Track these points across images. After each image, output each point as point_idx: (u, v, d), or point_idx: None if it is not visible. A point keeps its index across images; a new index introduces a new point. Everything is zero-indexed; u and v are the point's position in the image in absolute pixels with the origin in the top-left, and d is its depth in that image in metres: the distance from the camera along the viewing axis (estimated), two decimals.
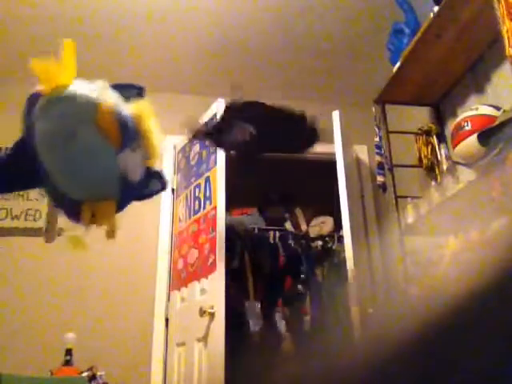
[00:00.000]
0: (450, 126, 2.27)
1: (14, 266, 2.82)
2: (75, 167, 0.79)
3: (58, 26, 2.64)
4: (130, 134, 0.83)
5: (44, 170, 0.79)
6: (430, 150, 2.48)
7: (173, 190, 3.14)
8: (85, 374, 1.99)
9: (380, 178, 2.56)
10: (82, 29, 2.74)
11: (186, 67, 3.16)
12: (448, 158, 2.36)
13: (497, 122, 1.86)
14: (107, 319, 2.78)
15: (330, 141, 2.84)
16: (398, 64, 2.35)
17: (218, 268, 2.40)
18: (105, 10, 2.71)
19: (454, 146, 2.11)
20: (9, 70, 3.00)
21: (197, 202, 2.82)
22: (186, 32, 2.91)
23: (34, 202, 2.95)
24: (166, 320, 2.85)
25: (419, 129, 2.53)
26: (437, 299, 0.43)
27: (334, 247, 3.78)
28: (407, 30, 2.40)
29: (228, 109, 1.06)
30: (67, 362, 2.04)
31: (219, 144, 1.26)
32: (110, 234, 0.81)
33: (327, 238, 3.84)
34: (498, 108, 1.96)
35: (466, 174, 2.19)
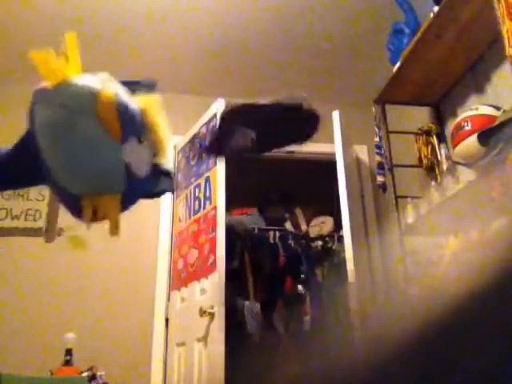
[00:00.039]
0: (450, 126, 2.27)
1: (14, 265, 2.82)
2: (74, 159, 0.77)
3: (58, 26, 2.64)
4: (133, 126, 0.81)
5: (46, 165, 0.78)
6: (430, 149, 2.48)
7: (173, 189, 3.14)
8: (85, 374, 1.99)
9: (380, 178, 2.56)
10: (82, 29, 2.74)
11: (186, 67, 3.16)
12: (448, 158, 2.36)
13: (497, 122, 1.86)
14: (107, 319, 2.78)
15: (330, 141, 2.84)
16: (398, 64, 2.35)
17: (218, 268, 2.40)
18: (105, 10, 2.71)
19: (454, 146, 2.11)
20: (9, 70, 3.00)
21: (197, 202, 2.82)
22: (186, 32, 2.91)
23: (34, 202, 2.95)
24: (166, 320, 2.85)
25: (419, 129, 2.53)
26: (437, 299, 0.43)
27: (334, 247, 3.79)
28: (407, 30, 2.40)
29: (226, 114, 1.02)
30: (67, 362, 2.04)
31: (220, 152, 1.21)
32: (114, 230, 0.78)
33: (327, 238, 3.85)
34: (498, 108, 1.96)
35: (466, 174, 2.19)
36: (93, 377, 1.99)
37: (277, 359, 3.20)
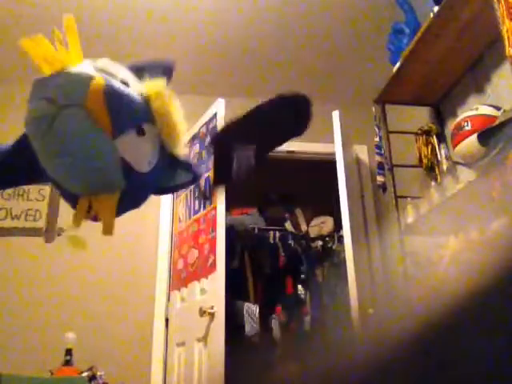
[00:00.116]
0: (449, 126, 2.27)
1: (14, 266, 2.82)
2: (62, 156, 0.70)
3: (58, 26, 2.64)
4: (129, 117, 0.73)
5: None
6: (430, 149, 2.47)
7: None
8: (85, 374, 1.99)
9: (380, 178, 2.56)
10: (82, 29, 2.74)
11: (186, 67, 3.16)
12: (448, 158, 2.36)
13: (497, 122, 1.86)
14: (107, 319, 2.78)
15: (330, 141, 2.84)
16: (398, 64, 2.35)
17: (218, 268, 2.40)
18: (105, 10, 2.71)
19: (454, 146, 2.11)
20: (9, 70, 3.00)
21: (197, 202, 2.82)
22: (186, 32, 2.91)
23: (34, 202, 2.95)
24: (166, 320, 2.85)
25: (419, 129, 2.53)
26: (437, 299, 0.43)
27: (334, 247, 3.78)
28: (407, 30, 2.40)
29: (216, 140, 0.98)
30: (67, 362, 2.04)
31: (224, 181, 1.14)
32: (107, 229, 0.73)
33: (327, 238, 3.84)
34: (498, 108, 1.96)
35: (466, 174, 2.19)
36: (93, 377, 1.99)
37: (277, 359, 3.20)
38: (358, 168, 3.33)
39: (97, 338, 2.68)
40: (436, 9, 2.03)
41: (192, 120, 2.99)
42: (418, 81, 2.41)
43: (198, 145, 2.95)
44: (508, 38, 1.54)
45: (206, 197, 2.57)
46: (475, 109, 2.03)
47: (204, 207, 2.72)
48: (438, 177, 2.41)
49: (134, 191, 0.78)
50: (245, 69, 3.24)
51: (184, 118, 0.84)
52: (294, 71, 3.26)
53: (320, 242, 3.83)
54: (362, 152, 3.41)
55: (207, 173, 2.76)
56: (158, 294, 2.91)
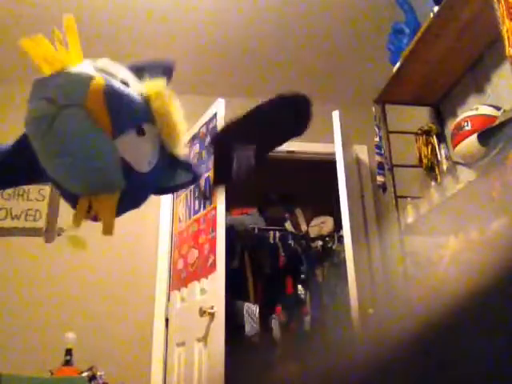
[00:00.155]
0: (449, 126, 2.27)
1: (13, 266, 2.82)
2: (61, 156, 0.70)
3: (58, 26, 2.64)
4: (129, 117, 0.73)
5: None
6: (430, 149, 2.47)
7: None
8: (85, 374, 1.99)
9: (380, 178, 2.56)
10: (82, 29, 2.74)
11: (186, 67, 3.16)
12: (448, 158, 2.36)
13: (497, 122, 1.86)
14: (107, 319, 2.78)
15: (330, 141, 2.84)
16: (398, 64, 2.35)
17: (218, 268, 2.40)
18: (105, 10, 2.71)
19: (454, 146, 2.11)
20: (9, 70, 3.00)
21: (197, 202, 2.82)
22: (186, 32, 2.91)
23: (34, 202, 2.95)
24: (166, 320, 2.85)
25: (419, 129, 2.53)
26: (437, 299, 0.43)
27: (334, 247, 3.78)
28: (407, 30, 2.40)
29: (216, 140, 0.97)
30: (67, 362, 2.04)
31: (225, 182, 1.13)
32: (107, 229, 0.73)
33: (327, 238, 3.84)
34: (498, 108, 1.96)
35: (466, 174, 2.19)
36: (93, 377, 1.99)
37: (277, 359, 3.20)
38: (358, 168, 3.33)
39: (97, 338, 2.68)
40: (436, 9, 2.03)
41: (192, 120, 2.99)
42: (418, 81, 2.41)
43: (197, 145, 2.95)
44: (508, 37, 1.54)
45: (206, 197, 2.57)
46: (475, 109, 2.03)
47: (204, 207, 2.72)
48: (438, 177, 2.41)
49: (134, 191, 0.78)
50: (245, 69, 3.24)
51: (184, 118, 0.82)
52: (294, 71, 3.26)
53: (320, 242, 3.83)
54: (361, 152, 3.41)
55: (207, 173, 2.76)
56: (158, 294, 2.91)
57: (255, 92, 3.37)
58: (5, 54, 2.85)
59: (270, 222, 3.97)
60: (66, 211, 2.92)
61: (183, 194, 3.01)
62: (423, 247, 2.27)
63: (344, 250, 2.77)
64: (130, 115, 0.74)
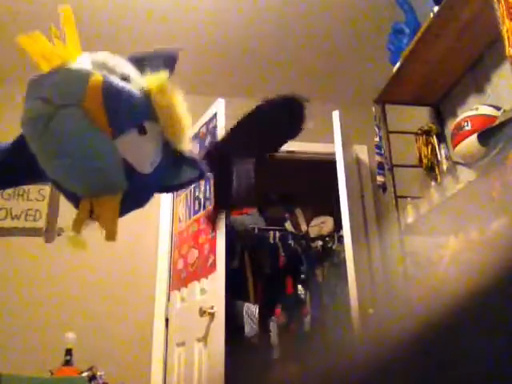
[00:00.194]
0: (450, 126, 2.27)
1: (13, 266, 2.82)
2: (60, 157, 0.67)
3: (58, 26, 2.64)
4: (129, 115, 0.70)
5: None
6: (430, 149, 2.47)
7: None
8: (85, 374, 1.99)
9: (380, 178, 2.56)
10: (82, 29, 2.74)
11: (186, 67, 3.16)
12: (448, 158, 2.36)
13: (497, 122, 1.86)
14: (107, 319, 2.78)
15: (330, 141, 2.84)
16: (398, 64, 2.35)
17: (218, 268, 2.40)
18: (105, 10, 2.71)
19: (454, 146, 2.11)
20: (9, 70, 3.00)
21: (197, 202, 2.82)
22: (186, 32, 2.91)
23: (34, 202, 2.95)
24: (166, 320, 2.85)
25: (419, 129, 2.53)
26: (437, 299, 0.43)
27: (334, 247, 3.78)
28: (407, 30, 2.40)
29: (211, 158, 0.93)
30: (67, 362, 2.04)
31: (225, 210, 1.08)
32: (110, 235, 0.70)
33: (327, 238, 3.84)
34: (498, 108, 1.96)
35: (466, 174, 2.19)
36: (93, 377, 1.99)
37: (277, 360, 3.20)
38: (358, 168, 3.33)
39: (97, 338, 2.68)
40: (436, 9, 2.03)
41: (192, 120, 2.98)
42: (418, 81, 2.41)
43: (198, 145, 2.95)
44: (508, 37, 1.54)
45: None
46: (475, 109, 2.03)
47: (204, 207, 2.72)
48: (438, 177, 2.41)
49: (136, 192, 0.75)
50: (245, 69, 3.24)
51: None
52: (294, 71, 3.26)
53: (320, 242, 3.83)
54: (362, 152, 3.41)
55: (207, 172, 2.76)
56: (158, 294, 2.91)
57: (255, 92, 3.37)
58: (2, 53, 2.85)
59: (270, 221, 3.97)
60: (66, 211, 2.92)
61: (183, 193, 3.01)
62: (423, 247, 2.27)
63: (344, 250, 2.77)
64: (129, 114, 0.71)
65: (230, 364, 2.20)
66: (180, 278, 2.83)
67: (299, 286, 3.64)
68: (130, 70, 0.75)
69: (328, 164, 2.90)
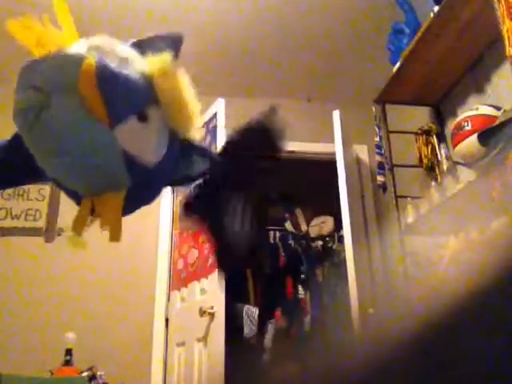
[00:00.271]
0: (450, 126, 2.27)
1: (13, 266, 2.82)
2: (55, 151, 0.61)
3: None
4: (128, 101, 0.63)
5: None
6: (430, 149, 2.47)
7: (173, 189, 3.14)
8: (85, 374, 1.99)
9: (380, 178, 2.56)
10: (82, 29, 2.74)
11: (186, 67, 3.16)
12: (448, 158, 2.36)
13: (497, 122, 1.86)
14: (107, 319, 2.78)
15: (331, 140, 2.84)
16: (398, 64, 2.35)
17: None
18: (105, 10, 2.71)
19: (454, 146, 2.11)
20: (9, 70, 3.00)
21: None
22: (186, 32, 2.90)
23: (34, 202, 2.95)
24: (166, 320, 2.85)
25: (419, 129, 2.53)
26: (437, 299, 0.43)
27: (334, 247, 3.78)
28: (407, 30, 2.40)
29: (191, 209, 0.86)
30: (67, 362, 2.04)
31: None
32: (114, 235, 0.65)
33: (327, 238, 3.84)
34: (498, 108, 1.96)
35: (466, 174, 2.19)
36: (93, 377, 1.99)
37: (277, 360, 3.20)
38: (358, 168, 3.33)
39: (97, 338, 2.68)
40: (436, 9, 2.03)
41: None
42: (418, 81, 2.41)
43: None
44: (508, 37, 1.54)
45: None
46: (475, 109, 2.03)
47: None
48: (438, 177, 2.41)
49: (142, 187, 0.68)
50: (245, 69, 3.23)
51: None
52: (294, 71, 3.26)
53: (320, 242, 3.83)
54: (362, 152, 3.41)
55: None
56: (158, 294, 2.90)
57: (255, 92, 3.38)
58: (5, 54, 2.85)
59: (270, 221, 3.97)
60: (66, 211, 2.92)
61: (183, 193, 3.01)
62: (423, 247, 2.27)
63: (344, 250, 2.77)
64: (127, 99, 0.63)
65: (230, 364, 2.21)
66: (180, 278, 2.83)
67: (299, 286, 3.64)
68: (129, 53, 0.69)
69: (328, 164, 2.90)
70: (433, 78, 2.39)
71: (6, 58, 2.92)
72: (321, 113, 3.24)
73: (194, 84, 0.75)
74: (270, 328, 3.42)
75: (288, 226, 3.93)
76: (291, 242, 3.82)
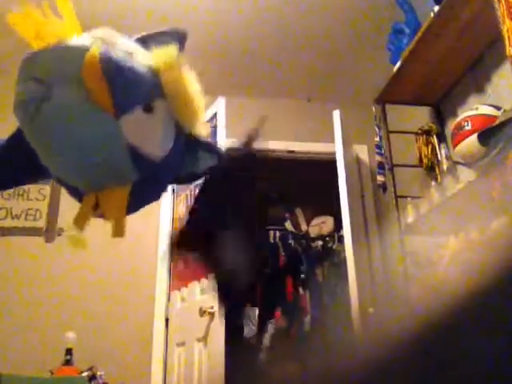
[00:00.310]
0: (450, 126, 2.27)
1: (13, 266, 2.82)
2: (57, 145, 0.60)
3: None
4: (133, 92, 0.62)
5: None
6: (430, 149, 2.47)
7: (173, 189, 3.14)
8: (85, 374, 1.99)
9: (380, 178, 2.56)
10: (82, 29, 2.74)
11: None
12: (448, 157, 2.36)
13: (497, 122, 1.86)
14: (107, 319, 2.78)
15: (331, 140, 2.84)
16: (398, 64, 2.35)
17: None
18: (105, 10, 2.71)
19: (454, 146, 2.11)
20: (9, 62, 3.00)
21: None
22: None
23: (34, 202, 2.95)
24: (166, 320, 2.85)
25: (419, 129, 2.53)
26: (437, 299, 0.43)
27: (334, 247, 3.79)
28: (407, 30, 2.40)
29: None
30: (67, 362, 2.04)
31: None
32: (118, 230, 0.65)
33: (327, 238, 3.85)
34: (498, 108, 1.95)
35: (466, 174, 2.19)
36: (93, 377, 1.99)
37: (277, 360, 3.20)
38: (358, 168, 3.33)
39: (97, 338, 2.68)
40: (436, 8, 2.03)
41: None
42: (418, 81, 2.41)
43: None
44: (508, 37, 1.54)
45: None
46: (475, 109, 2.03)
47: None
48: (438, 177, 2.41)
49: (148, 182, 0.66)
50: (245, 69, 3.23)
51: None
52: (294, 71, 3.26)
53: (320, 242, 3.83)
54: (362, 152, 3.41)
55: None
56: (158, 294, 2.90)
57: (255, 92, 3.38)
58: (5, 54, 2.85)
59: (270, 221, 3.97)
60: (66, 211, 2.92)
61: (183, 193, 3.01)
62: (423, 247, 2.27)
63: (344, 250, 2.77)
64: (133, 89, 0.61)
65: (230, 364, 2.21)
66: (180, 278, 2.83)
67: (299, 289, 3.64)
68: (133, 45, 0.67)
69: (328, 164, 2.90)
70: (433, 78, 2.39)
71: (7, 50, 2.92)
72: (321, 113, 3.24)
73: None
74: (270, 328, 3.42)
75: (288, 225, 3.93)
76: (291, 241, 3.82)
